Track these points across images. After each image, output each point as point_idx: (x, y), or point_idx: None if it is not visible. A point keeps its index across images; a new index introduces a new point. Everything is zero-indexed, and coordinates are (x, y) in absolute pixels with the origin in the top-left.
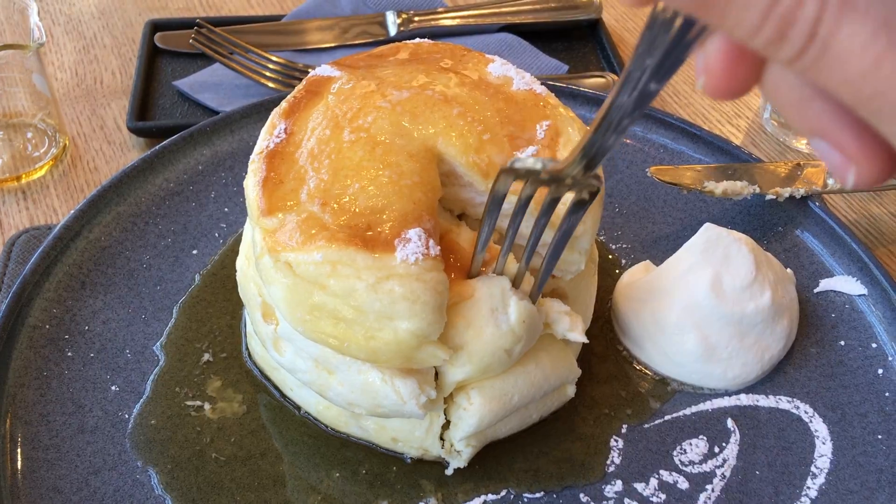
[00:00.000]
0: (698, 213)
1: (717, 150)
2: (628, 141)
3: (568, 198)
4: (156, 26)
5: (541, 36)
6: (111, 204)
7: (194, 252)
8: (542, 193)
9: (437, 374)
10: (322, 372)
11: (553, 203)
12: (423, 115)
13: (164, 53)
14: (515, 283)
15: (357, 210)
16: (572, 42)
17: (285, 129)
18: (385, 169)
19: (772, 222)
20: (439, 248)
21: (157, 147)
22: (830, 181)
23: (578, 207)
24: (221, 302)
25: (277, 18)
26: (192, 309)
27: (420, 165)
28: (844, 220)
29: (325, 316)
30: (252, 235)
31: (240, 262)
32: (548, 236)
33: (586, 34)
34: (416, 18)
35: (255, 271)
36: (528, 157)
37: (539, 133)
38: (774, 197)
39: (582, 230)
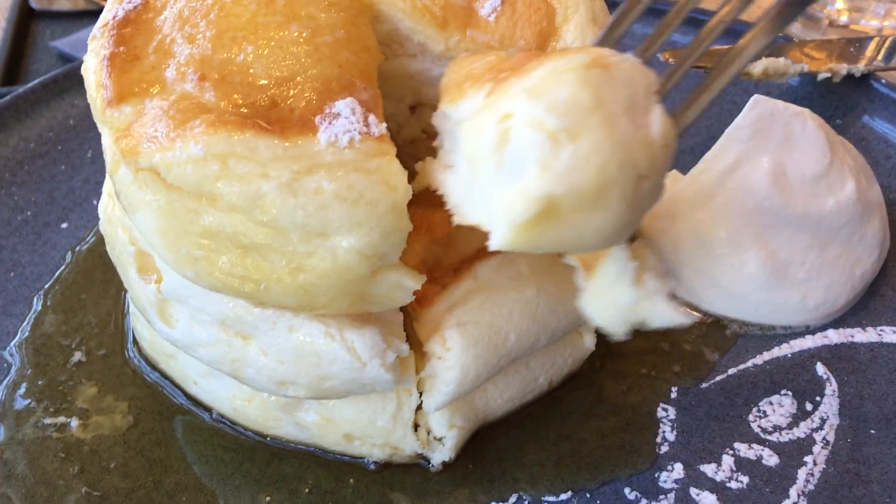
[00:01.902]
0: (729, 114)
1: (736, 35)
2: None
3: None
4: None
5: None
6: None
7: (64, 226)
8: None
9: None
10: (234, 339)
11: None
12: None
13: (41, 16)
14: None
15: (254, 81)
16: None
17: None
18: (292, 24)
19: (829, 110)
20: (385, 125)
21: (7, 98)
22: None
23: None
24: (100, 284)
25: None
26: (59, 297)
27: (345, 16)
28: None
29: (225, 246)
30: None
31: (102, 205)
32: None
33: None
34: None
35: (122, 211)
36: None
37: None
38: (829, 76)
39: None
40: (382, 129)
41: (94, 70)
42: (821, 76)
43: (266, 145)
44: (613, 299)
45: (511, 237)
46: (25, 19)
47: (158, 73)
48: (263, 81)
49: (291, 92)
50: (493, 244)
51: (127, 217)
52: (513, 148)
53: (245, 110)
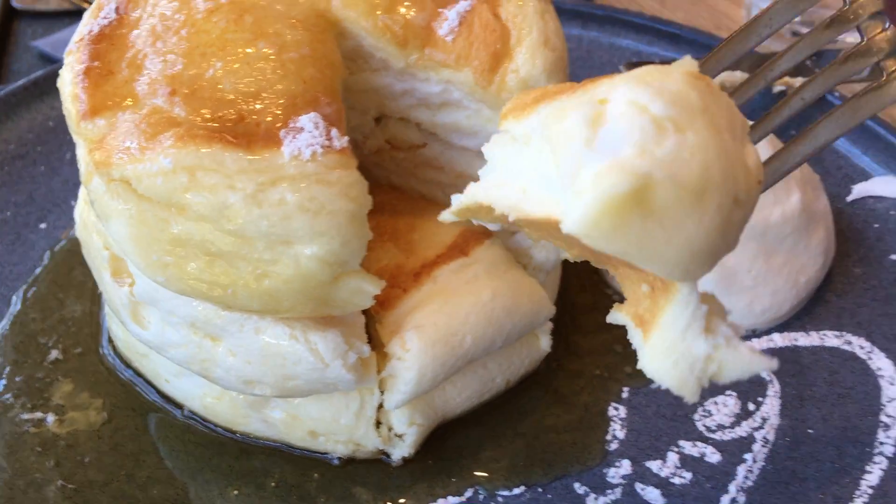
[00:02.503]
0: None
1: (703, 48)
2: (591, 51)
3: None
4: None
5: None
6: None
7: (42, 226)
8: None
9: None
10: (204, 340)
11: None
12: None
13: (23, 15)
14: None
15: (222, 96)
16: None
17: (117, 8)
18: (260, 41)
19: (785, 121)
20: (347, 138)
21: None
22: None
23: None
24: (77, 285)
25: None
26: (37, 296)
27: (310, 35)
28: None
29: (193, 253)
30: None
31: (78, 211)
32: None
33: None
34: None
35: (96, 217)
36: None
37: None
38: (784, 89)
39: None
40: (344, 143)
41: (69, 83)
42: (776, 89)
43: (232, 158)
44: (684, 353)
45: (595, 213)
46: (7, 18)
47: (131, 88)
48: (231, 96)
49: (258, 107)
50: (571, 222)
51: (100, 222)
52: (609, 127)
53: (213, 124)
